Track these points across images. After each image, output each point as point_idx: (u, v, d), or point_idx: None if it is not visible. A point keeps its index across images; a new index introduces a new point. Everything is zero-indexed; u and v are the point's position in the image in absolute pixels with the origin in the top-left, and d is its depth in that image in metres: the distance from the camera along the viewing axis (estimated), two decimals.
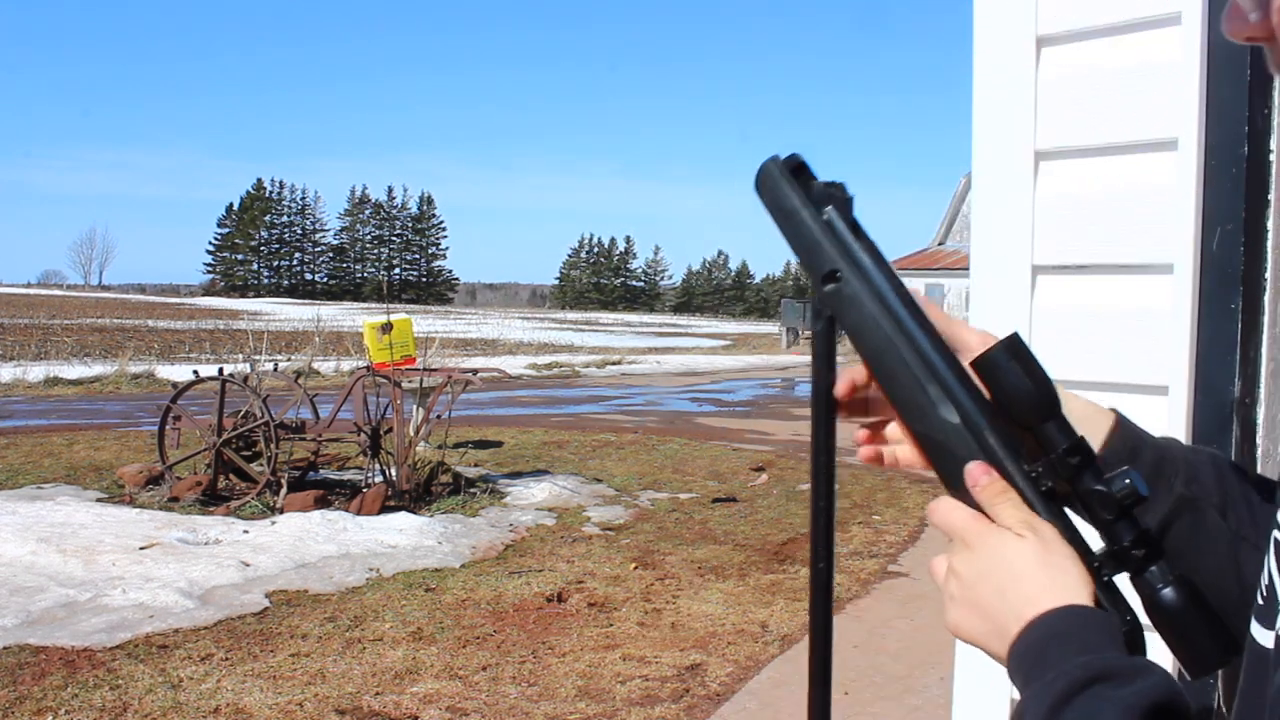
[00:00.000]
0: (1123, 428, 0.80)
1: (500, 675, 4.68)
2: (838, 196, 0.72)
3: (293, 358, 18.20)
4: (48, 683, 4.40)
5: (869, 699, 4.52)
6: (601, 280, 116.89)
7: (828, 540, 0.75)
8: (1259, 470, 1.25)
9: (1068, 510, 0.70)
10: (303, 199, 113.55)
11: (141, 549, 6.40)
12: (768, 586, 6.19)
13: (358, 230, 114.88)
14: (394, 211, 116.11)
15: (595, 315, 79.75)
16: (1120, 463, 0.73)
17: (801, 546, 7.20)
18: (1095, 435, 0.78)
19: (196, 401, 9.42)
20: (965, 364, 0.72)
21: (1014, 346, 0.69)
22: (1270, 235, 1.21)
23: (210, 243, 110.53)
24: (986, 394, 0.71)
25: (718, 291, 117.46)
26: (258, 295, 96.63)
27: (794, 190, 0.73)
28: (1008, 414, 0.70)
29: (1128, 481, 0.67)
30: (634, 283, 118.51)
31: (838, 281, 0.72)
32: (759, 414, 15.71)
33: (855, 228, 0.72)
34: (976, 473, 0.69)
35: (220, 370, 8.43)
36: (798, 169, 0.73)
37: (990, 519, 0.67)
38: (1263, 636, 0.63)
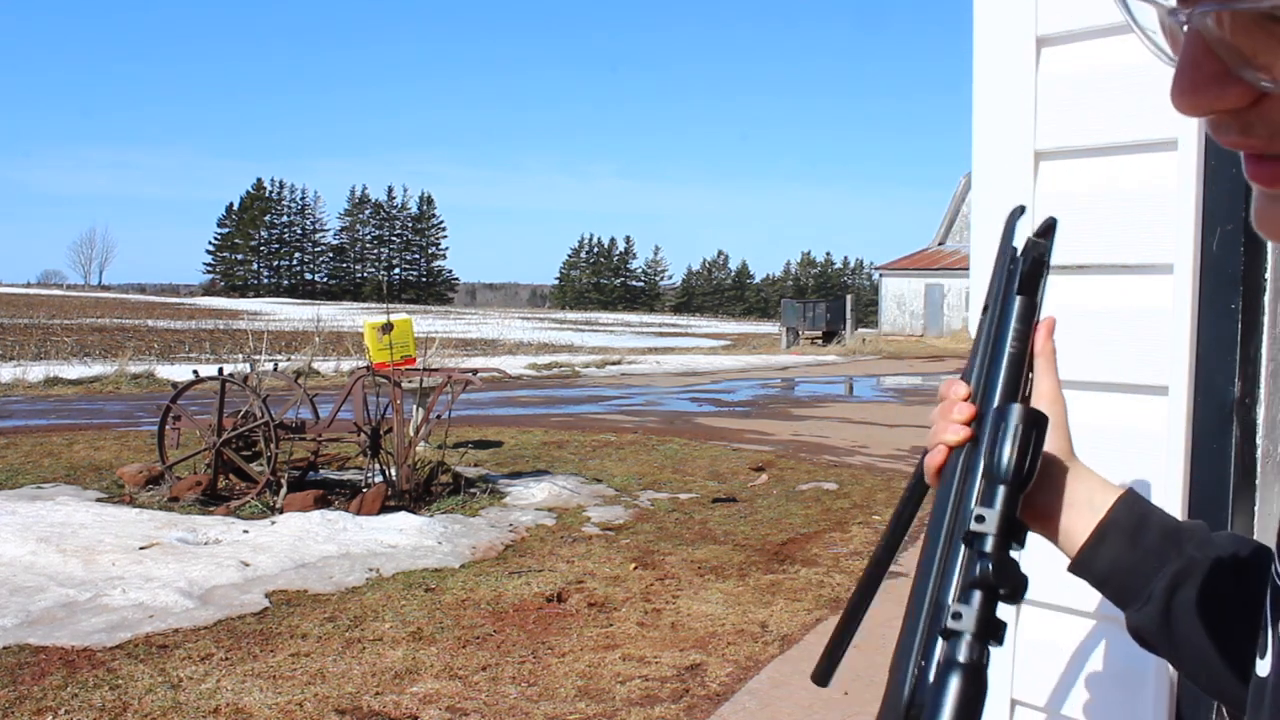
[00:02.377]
0: (1129, 499, 0.83)
1: (500, 675, 4.68)
2: (1030, 252, 0.81)
3: (293, 358, 18.18)
4: (48, 683, 4.40)
5: (869, 699, 4.52)
6: (601, 280, 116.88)
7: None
8: (1259, 470, 1.25)
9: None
10: (303, 199, 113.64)
11: (141, 549, 6.40)
12: (767, 586, 6.19)
13: (358, 230, 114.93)
14: (394, 211, 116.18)
15: (595, 315, 79.75)
16: (1125, 529, 0.80)
17: (801, 546, 7.20)
18: (1103, 504, 0.82)
19: (196, 401, 9.43)
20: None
21: (1035, 418, 0.74)
22: None
23: (210, 243, 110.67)
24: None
25: (718, 291, 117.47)
26: (258, 295, 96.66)
27: (1007, 240, 0.84)
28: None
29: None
30: (634, 283, 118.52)
31: (983, 313, 0.83)
32: (759, 414, 15.70)
33: (1027, 281, 0.80)
34: None
35: (220, 370, 8.42)
36: (1047, 229, 0.83)
37: None
38: (1260, 667, 0.65)
